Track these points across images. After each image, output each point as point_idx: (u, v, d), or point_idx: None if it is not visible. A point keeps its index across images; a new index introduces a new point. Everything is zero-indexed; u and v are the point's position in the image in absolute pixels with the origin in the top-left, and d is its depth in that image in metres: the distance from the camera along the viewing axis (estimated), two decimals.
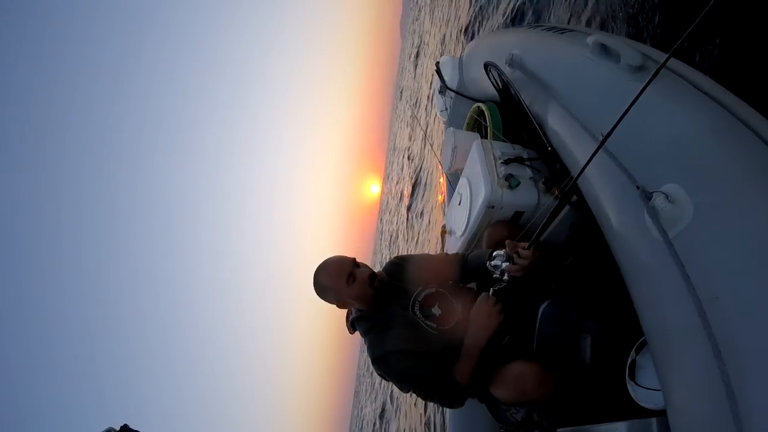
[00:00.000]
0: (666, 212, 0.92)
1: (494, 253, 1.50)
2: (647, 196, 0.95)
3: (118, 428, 1.40)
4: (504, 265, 1.46)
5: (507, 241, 1.49)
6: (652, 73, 1.21)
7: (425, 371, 1.55)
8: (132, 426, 1.47)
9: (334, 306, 1.74)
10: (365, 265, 1.69)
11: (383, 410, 10.89)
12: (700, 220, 0.89)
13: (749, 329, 0.75)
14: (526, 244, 1.44)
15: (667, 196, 0.93)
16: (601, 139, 1.08)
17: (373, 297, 1.65)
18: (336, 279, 1.62)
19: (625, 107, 1.19)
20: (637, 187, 0.97)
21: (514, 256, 1.44)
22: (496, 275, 1.49)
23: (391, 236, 15.14)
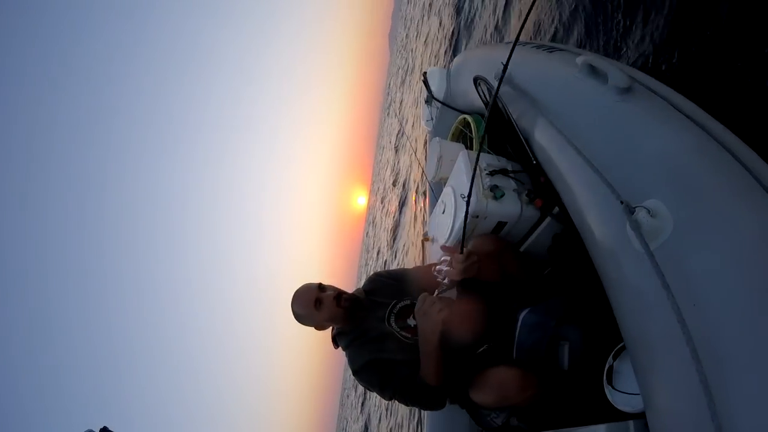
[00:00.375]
0: (648, 226, 0.98)
1: (442, 258, 1.62)
2: (630, 211, 1.01)
3: (97, 431, 1.40)
4: (445, 269, 1.58)
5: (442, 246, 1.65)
6: (637, 93, 1.30)
7: (402, 377, 1.63)
8: (111, 428, 1.46)
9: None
10: (331, 287, 1.80)
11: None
12: (680, 233, 0.95)
13: (726, 334, 0.81)
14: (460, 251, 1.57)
15: (649, 211, 0.99)
16: (592, 162, 1.15)
17: (345, 315, 1.76)
18: (305, 307, 1.76)
19: (612, 126, 1.27)
20: (621, 202, 1.02)
21: (452, 260, 1.57)
22: (440, 279, 1.61)
23: (378, 251, 15.17)
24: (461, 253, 1.56)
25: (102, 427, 1.44)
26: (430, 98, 3.19)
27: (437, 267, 1.61)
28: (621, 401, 1.23)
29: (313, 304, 1.73)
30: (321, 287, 1.77)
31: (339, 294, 1.77)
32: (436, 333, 1.54)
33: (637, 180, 1.10)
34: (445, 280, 1.60)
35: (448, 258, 1.58)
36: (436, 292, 1.64)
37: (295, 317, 1.81)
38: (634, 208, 1.01)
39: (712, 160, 1.03)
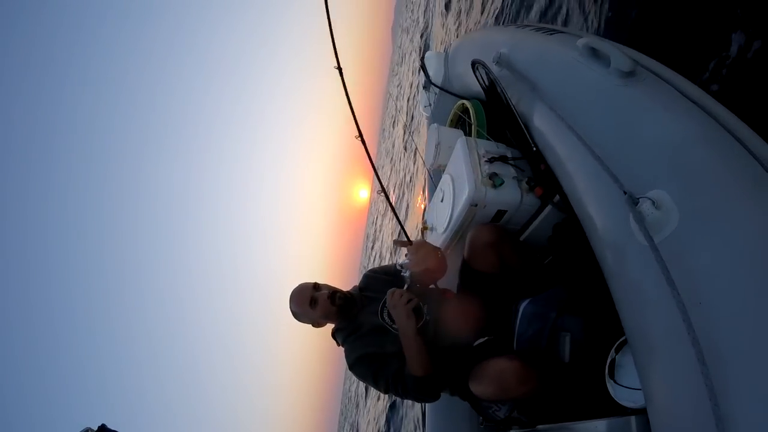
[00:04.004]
0: (652, 218, 0.94)
1: (405, 253, 1.74)
2: (634, 202, 0.96)
3: (95, 428, 1.38)
4: (405, 262, 1.71)
5: (394, 241, 1.87)
6: (641, 77, 1.25)
7: (394, 370, 1.65)
8: (110, 426, 1.44)
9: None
10: (326, 286, 1.88)
11: None
12: (686, 226, 0.90)
13: (732, 335, 0.77)
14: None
15: (653, 202, 0.95)
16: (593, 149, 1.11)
17: (338, 313, 1.82)
18: (301, 305, 1.83)
19: (614, 112, 1.22)
20: (624, 192, 0.98)
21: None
22: (404, 273, 1.72)
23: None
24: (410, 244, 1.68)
25: (100, 424, 1.42)
26: (428, 83, 3.12)
27: (400, 262, 1.71)
28: (622, 396, 1.20)
29: (308, 303, 1.79)
30: (316, 286, 1.84)
31: (333, 293, 1.83)
32: (410, 323, 1.60)
33: (641, 169, 1.05)
34: (406, 273, 1.70)
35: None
36: (405, 286, 1.72)
37: (292, 315, 1.89)
38: (638, 199, 0.96)
39: (720, 150, 0.98)
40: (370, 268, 2.15)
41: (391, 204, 2.71)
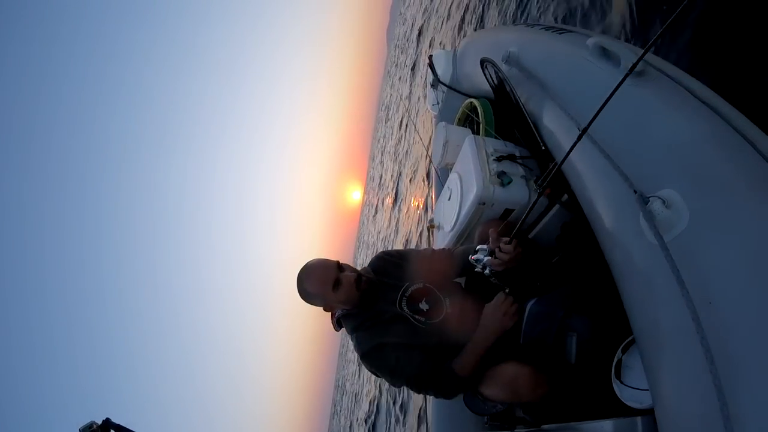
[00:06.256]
0: (662, 216, 0.94)
1: (478, 247, 1.50)
2: (644, 200, 0.96)
3: (100, 422, 1.37)
4: (486, 259, 1.45)
5: (490, 230, 1.49)
6: (651, 77, 1.24)
7: (418, 362, 1.56)
8: (114, 420, 1.44)
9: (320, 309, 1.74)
10: (349, 267, 1.67)
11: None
12: (696, 226, 0.90)
13: (742, 336, 0.77)
14: (508, 239, 1.42)
15: (663, 201, 0.94)
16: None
17: (359, 298, 1.64)
18: (321, 286, 1.61)
19: (624, 111, 1.21)
20: (635, 191, 0.97)
21: (496, 250, 1.43)
22: (478, 269, 1.49)
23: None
24: (509, 243, 1.41)
25: (105, 418, 1.42)
26: (436, 82, 3.12)
27: (475, 256, 1.49)
28: (629, 396, 1.20)
29: (332, 285, 1.58)
30: (340, 266, 1.64)
31: (359, 276, 1.63)
32: (499, 333, 1.52)
33: (651, 169, 1.05)
34: (486, 270, 1.48)
35: (486, 247, 1.47)
36: (506, 290, 1.60)
37: (302, 295, 1.66)
38: (648, 198, 0.96)
39: (730, 150, 0.97)
40: (383, 250, 1.95)
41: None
